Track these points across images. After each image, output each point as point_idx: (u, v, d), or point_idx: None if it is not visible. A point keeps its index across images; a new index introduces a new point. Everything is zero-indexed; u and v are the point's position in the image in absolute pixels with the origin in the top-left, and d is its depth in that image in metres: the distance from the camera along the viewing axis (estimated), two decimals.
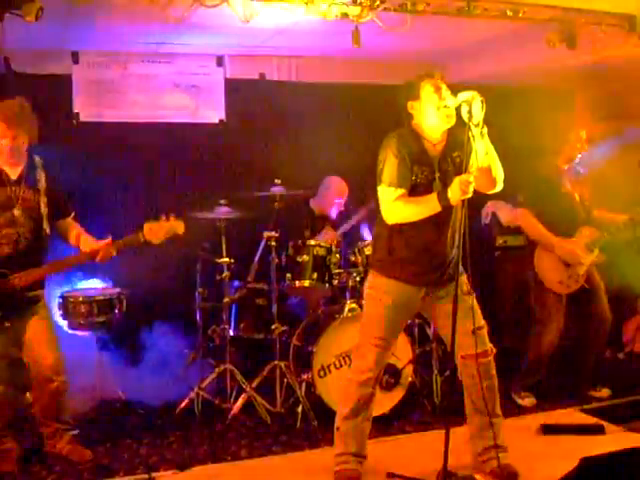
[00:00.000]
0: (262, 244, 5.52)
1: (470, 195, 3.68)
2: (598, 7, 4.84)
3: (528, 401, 5.47)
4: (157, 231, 4.31)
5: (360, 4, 4.45)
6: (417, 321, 5.72)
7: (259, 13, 4.44)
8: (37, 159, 4.36)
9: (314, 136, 6.46)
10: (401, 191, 3.88)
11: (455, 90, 3.81)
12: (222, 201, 5.54)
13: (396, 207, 3.90)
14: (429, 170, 3.95)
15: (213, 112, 6.75)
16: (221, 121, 6.78)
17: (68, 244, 4.53)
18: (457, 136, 3.92)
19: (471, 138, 3.70)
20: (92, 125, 6.35)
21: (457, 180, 3.70)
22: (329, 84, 6.97)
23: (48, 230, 4.36)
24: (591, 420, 4.99)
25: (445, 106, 3.85)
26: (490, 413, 4.06)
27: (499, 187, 4.03)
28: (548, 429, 4.80)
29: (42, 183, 4.32)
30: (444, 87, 3.92)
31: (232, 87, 6.79)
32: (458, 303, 3.74)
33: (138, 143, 6.34)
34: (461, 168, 3.83)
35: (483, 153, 3.80)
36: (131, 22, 5.18)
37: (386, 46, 5.75)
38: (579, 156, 5.47)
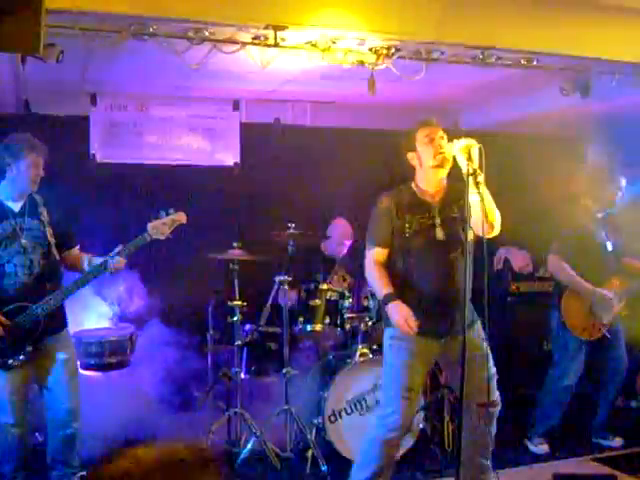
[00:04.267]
0: (275, 288, 5.53)
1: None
2: (612, 56, 4.87)
3: (541, 448, 5.41)
4: (160, 227, 4.39)
5: (376, 52, 4.49)
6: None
7: (276, 59, 4.49)
8: (37, 197, 4.40)
9: (328, 180, 6.49)
10: (376, 250, 4.05)
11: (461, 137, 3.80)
12: (235, 244, 5.56)
13: (367, 266, 4.10)
14: (427, 217, 3.99)
15: (228, 155, 6.82)
16: (236, 164, 6.84)
17: (81, 271, 4.45)
18: (457, 185, 3.96)
19: (470, 186, 3.68)
20: (108, 166, 6.41)
21: (398, 310, 3.83)
22: (343, 129, 7.03)
23: (57, 256, 4.38)
24: (604, 470, 4.94)
25: (440, 152, 3.89)
26: (489, 458, 4.11)
27: (496, 232, 3.98)
28: (560, 478, 4.75)
29: (45, 216, 4.36)
30: (439, 135, 3.96)
31: (247, 131, 6.86)
32: (474, 351, 3.81)
33: (154, 185, 6.39)
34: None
35: (478, 201, 3.74)
36: (149, 66, 5.25)
37: (400, 93, 5.80)
38: (617, 204, 5.47)
